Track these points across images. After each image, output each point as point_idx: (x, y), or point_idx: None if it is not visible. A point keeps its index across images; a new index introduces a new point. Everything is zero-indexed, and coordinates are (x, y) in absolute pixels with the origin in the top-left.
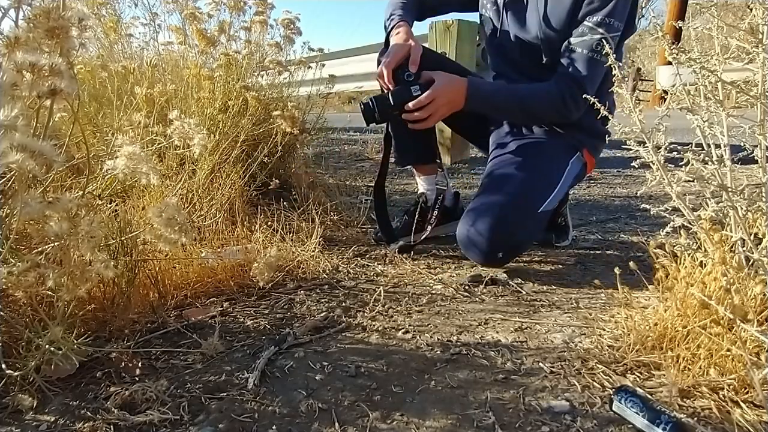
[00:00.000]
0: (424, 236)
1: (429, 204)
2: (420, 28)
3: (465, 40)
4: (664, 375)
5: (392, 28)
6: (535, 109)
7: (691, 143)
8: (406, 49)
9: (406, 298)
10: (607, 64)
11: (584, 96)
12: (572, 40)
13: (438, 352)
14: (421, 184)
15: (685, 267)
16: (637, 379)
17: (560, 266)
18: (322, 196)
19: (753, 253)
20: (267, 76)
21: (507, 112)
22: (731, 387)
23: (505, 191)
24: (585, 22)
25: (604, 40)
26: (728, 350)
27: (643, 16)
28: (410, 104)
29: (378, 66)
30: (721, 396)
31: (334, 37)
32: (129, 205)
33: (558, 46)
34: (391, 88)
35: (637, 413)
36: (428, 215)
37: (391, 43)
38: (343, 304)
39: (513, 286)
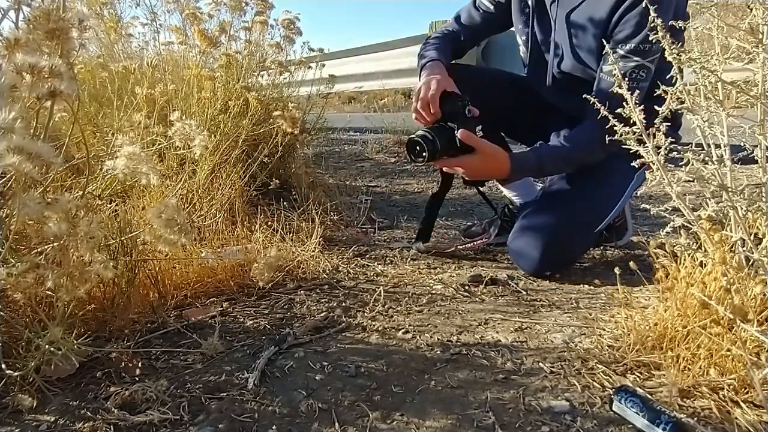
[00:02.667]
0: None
1: (515, 207)
2: (420, 28)
3: None
4: (664, 375)
5: (423, 68)
6: (581, 160)
7: (691, 143)
8: (447, 85)
9: (406, 298)
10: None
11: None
12: (604, 68)
13: (438, 352)
14: (506, 192)
15: (685, 267)
16: (637, 379)
17: None
18: (322, 196)
19: (753, 253)
20: (267, 77)
21: (553, 173)
22: (731, 387)
23: (564, 208)
24: (618, 50)
25: (638, 68)
26: (728, 350)
27: None
28: (449, 162)
29: (417, 99)
30: (721, 396)
31: (334, 37)
32: (129, 206)
33: (590, 77)
34: (437, 116)
35: (637, 413)
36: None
37: (424, 76)
38: (343, 304)
39: (513, 286)
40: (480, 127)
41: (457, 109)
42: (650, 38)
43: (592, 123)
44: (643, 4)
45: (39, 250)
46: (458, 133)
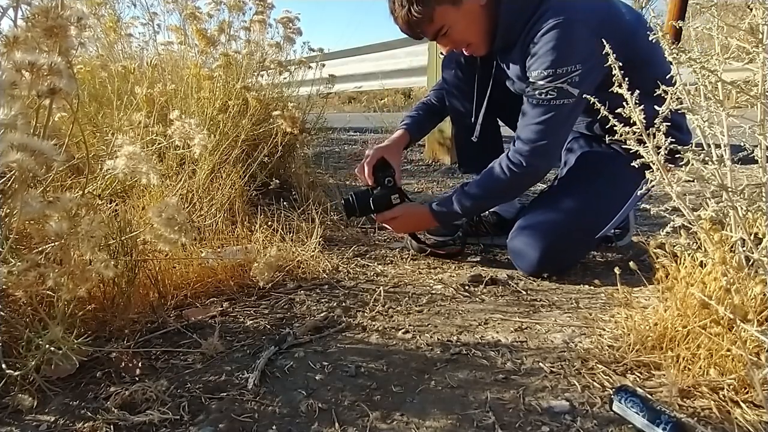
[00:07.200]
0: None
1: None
2: None
3: None
4: (664, 375)
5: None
6: (506, 192)
7: (691, 143)
8: (384, 153)
9: (406, 298)
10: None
11: (542, 149)
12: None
13: (438, 352)
14: None
15: (685, 267)
16: (637, 379)
17: None
18: (322, 196)
19: (753, 253)
20: (267, 76)
21: (483, 210)
22: (731, 387)
23: (567, 210)
24: (529, 78)
25: (550, 88)
26: (728, 350)
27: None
28: (376, 217)
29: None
30: (721, 396)
31: (334, 37)
32: (129, 205)
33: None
34: (370, 183)
35: (637, 413)
36: (480, 224)
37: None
38: (343, 304)
39: (513, 286)
40: (396, 195)
41: (380, 179)
42: (560, 60)
43: (504, 156)
44: (541, 35)
45: (40, 249)
46: (374, 216)
